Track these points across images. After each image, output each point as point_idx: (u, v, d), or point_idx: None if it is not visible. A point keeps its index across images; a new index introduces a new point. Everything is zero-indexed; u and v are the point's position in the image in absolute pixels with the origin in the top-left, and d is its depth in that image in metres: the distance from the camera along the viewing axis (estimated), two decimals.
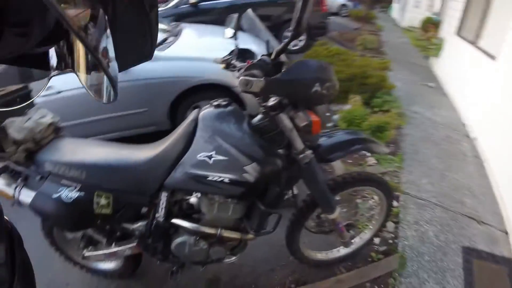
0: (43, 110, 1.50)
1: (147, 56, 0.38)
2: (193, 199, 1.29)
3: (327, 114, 1.34)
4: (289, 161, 1.25)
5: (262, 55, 1.17)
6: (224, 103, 1.23)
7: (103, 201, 1.27)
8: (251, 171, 1.16)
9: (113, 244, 1.50)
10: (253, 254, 1.79)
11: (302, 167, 1.23)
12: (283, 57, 1.16)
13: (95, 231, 1.51)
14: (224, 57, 1.37)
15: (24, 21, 0.27)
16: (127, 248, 1.47)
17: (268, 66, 1.12)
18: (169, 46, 2.91)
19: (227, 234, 1.33)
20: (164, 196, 1.27)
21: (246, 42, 2.63)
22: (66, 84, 2.66)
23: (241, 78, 1.01)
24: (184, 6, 5.58)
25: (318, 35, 5.94)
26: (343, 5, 12.12)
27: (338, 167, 2.67)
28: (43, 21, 0.28)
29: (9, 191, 1.37)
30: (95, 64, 0.30)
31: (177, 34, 3.23)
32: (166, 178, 1.23)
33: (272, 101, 1.12)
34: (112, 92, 0.33)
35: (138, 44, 0.35)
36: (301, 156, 1.20)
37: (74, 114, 2.71)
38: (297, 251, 1.71)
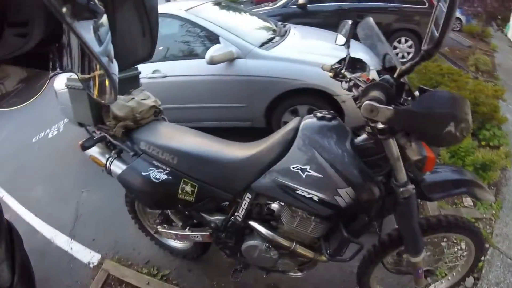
0: (147, 92, 1.60)
1: (147, 56, 0.37)
2: (275, 206, 1.25)
3: None
4: (386, 191, 1.12)
5: (384, 74, 1.05)
6: (328, 116, 1.14)
7: (188, 188, 1.32)
8: (344, 195, 1.07)
9: (187, 229, 1.56)
10: (319, 272, 1.70)
11: (399, 200, 1.09)
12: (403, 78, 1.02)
13: (173, 213, 1.59)
14: (333, 64, 1.28)
15: (24, 21, 0.27)
16: (199, 235, 1.52)
17: (392, 88, 0.98)
18: (275, 46, 2.92)
19: (300, 250, 1.27)
20: (247, 198, 1.26)
21: (357, 51, 2.47)
22: (172, 70, 2.88)
23: (366, 102, 0.89)
24: (292, 6, 5.53)
25: None
26: (456, 19, 10.83)
27: (432, 203, 2.39)
28: (43, 21, 0.27)
29: (102, 159, 1.52)
30: (95, 64, 0.29)
31: (283, 35, 3.22)
32: (254, 181, 1.21)
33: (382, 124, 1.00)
34: (112, 92, 0.32)
35: (138, 44, 0.35)
36: (402, 189, 1.06)
37: (175, 98, 2.91)
38: (366, 285, 1.57)
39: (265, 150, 1.21)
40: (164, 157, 1.36)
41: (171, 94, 2.88)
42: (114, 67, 0.31)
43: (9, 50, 0.28)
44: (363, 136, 1.10)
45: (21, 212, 2.64)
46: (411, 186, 1.06)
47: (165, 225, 1.67)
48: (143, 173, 1.37)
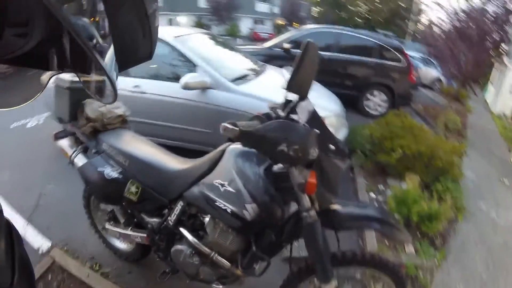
0: (119, 103, 1.81)
1: (147, 56, 0.38)
2: (206, 219, 1.39)
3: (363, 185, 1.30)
4: (297, 216, 1.27)
5: (272, 109, 1.29)
6: None
7: (133, 189, 1.50)
8: (250, 210, 1.24)
9: (129, 228, 1.70)
10: None
11: (304, 226, 1.24)
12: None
13: (120, 211, 1.74)
14: (273, 104, 1.48)
15: (24, 21, 0.27)
16: (138, 235, 1.65)
17: (267, 120, 1.20)
18: (246, 82, 3.21)
19: (218, 259, 1.39)
20: (180, 205, 1.43)
21: (321, 96, 2.76)
22: (151, 88, 3.12)
23: (222, 124, 1.11)
24: (277, 49, 5.83)
25: (401, 104, 5.75)
26: (438, 80, 11.52)
27: (371, 244, 2.52)
28: (43, 21, 0.28)
29: (69, 151, 1.72)
30: (95, 64, 0.30)
31: (258, 73, 3.52)
32: (186, 190, 1.39)
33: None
34: (111, 92, 0.32)
35: (138, 44, 0.35)
36: (304, 214, 1.21)
37: (149, 114, 3.14)
38: None
39: (198, 166, 1.41)
40: (119, 158, 1.55)
41: (146, 109, 3.10)
42: (115, 68, 0.32)
43: (9, 50, 0.28)
44: (280, 165, 1.28)
45: None
46: (313, 212, 1.21)
47: (111, 222, 1.81)
48: (99, 169, 1.55)
